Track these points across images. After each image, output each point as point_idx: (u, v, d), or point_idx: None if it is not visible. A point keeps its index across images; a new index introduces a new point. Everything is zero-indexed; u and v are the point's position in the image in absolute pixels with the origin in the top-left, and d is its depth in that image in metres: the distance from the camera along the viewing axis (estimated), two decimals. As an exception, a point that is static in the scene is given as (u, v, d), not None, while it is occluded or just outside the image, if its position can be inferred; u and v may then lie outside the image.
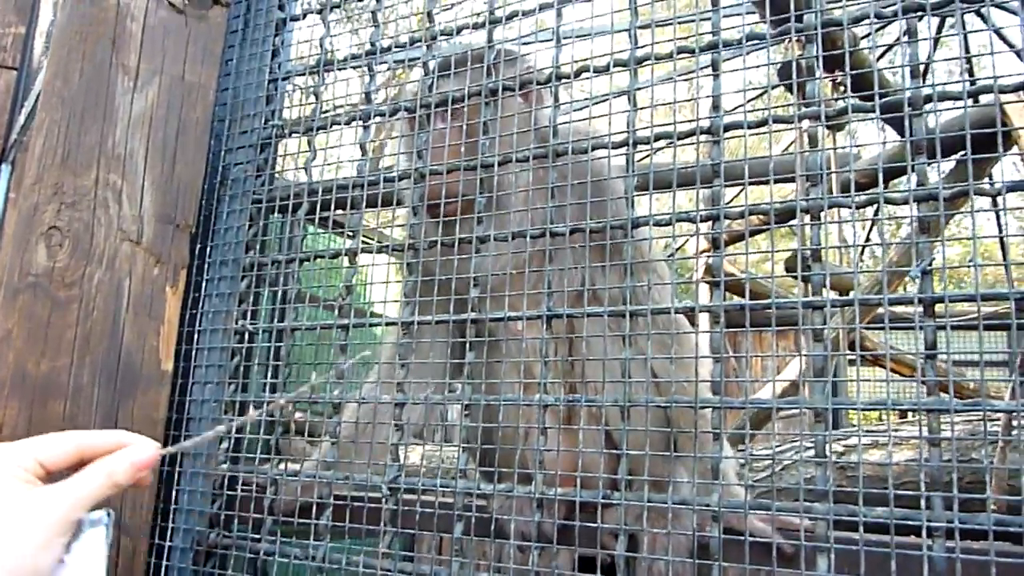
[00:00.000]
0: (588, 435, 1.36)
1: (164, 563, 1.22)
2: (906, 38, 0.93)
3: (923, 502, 0.81)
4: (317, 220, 1.28)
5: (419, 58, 1.25)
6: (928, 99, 0.89)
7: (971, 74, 3.95)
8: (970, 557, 0.78)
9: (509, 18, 1.16)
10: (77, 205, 1.26)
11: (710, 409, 1.07)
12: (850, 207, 0.89)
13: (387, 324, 1.17)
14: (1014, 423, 1.41)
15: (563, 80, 1.09)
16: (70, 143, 1.29)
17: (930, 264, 0.85)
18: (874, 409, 0.87)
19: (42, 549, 0.72)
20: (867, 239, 5.16)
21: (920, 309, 0.85)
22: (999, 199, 0.85)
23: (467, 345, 1.09)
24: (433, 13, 1.23)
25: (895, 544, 0.82)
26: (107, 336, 1.23)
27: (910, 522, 0.81)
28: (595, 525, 1.16)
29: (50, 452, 0.78)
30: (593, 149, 1.05)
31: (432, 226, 1.18)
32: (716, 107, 0.99)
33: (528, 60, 1.30)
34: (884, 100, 0.92)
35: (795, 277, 3.59)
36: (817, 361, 0.90)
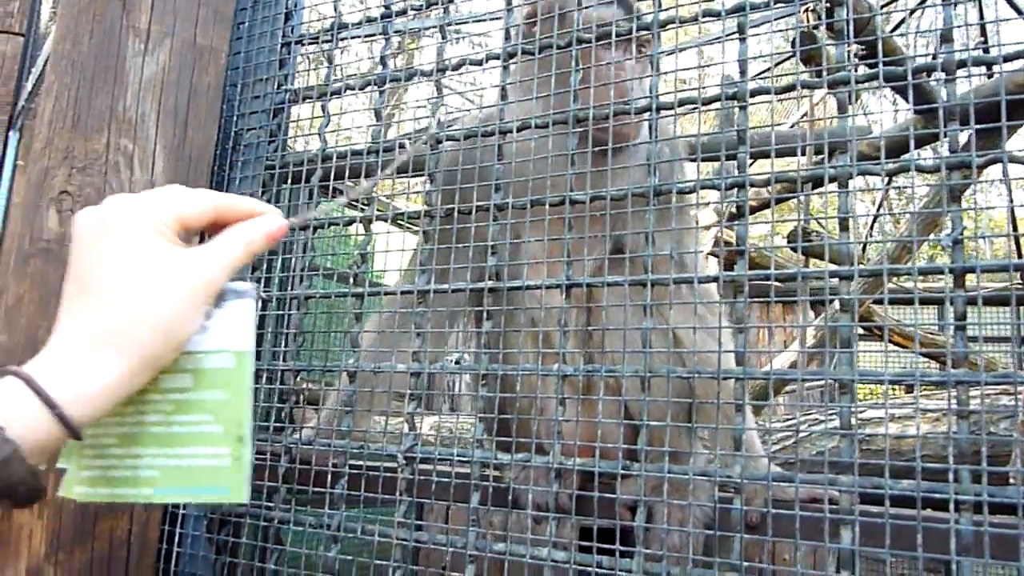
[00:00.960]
0: (607, 406, 1.36)
1: (178, 530, 1.22)
2: (940, 0, 0.90)
3: (951, 475, 0.79)
4: (332, 190, 1.26)
5: (432, 25, 1.22)
6: (962, 64, 0.86)
7: (985, 42, 3.88)
8: (998, 531, 0.77)
9: (529, -20, 1.14)
10: (88, 170, 1.25)
11: (732, 380, 1.06)
12: (880, 174, 0.87)
13: (402, 293, 1.15)
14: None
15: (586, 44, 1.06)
16: (80, 107, 1.27)
17: (961, 233, 0.83)
18: (903, 381, 0.86)
19: (187, 311, 0.68)
20: (879, 210, 5.12)
21: (951, 281, 0.83)
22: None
23: (484, 314, 1.08)
24: (450, -25, 1.20)
25: (921, 517, 0.81)
26: (119, 303, 1.22)
27: (936, 495, 0.80)
28: (612, 496, 1.16)
29: (191, 210, 0.71)
30: (616, 115, 1.02)
31: (447, 194, 1.16)
32: (743, 72, 0.96)
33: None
34: (916, 66, 0.89)
35: (794, 250, 3.56)
36: (843, 332, 0.88)
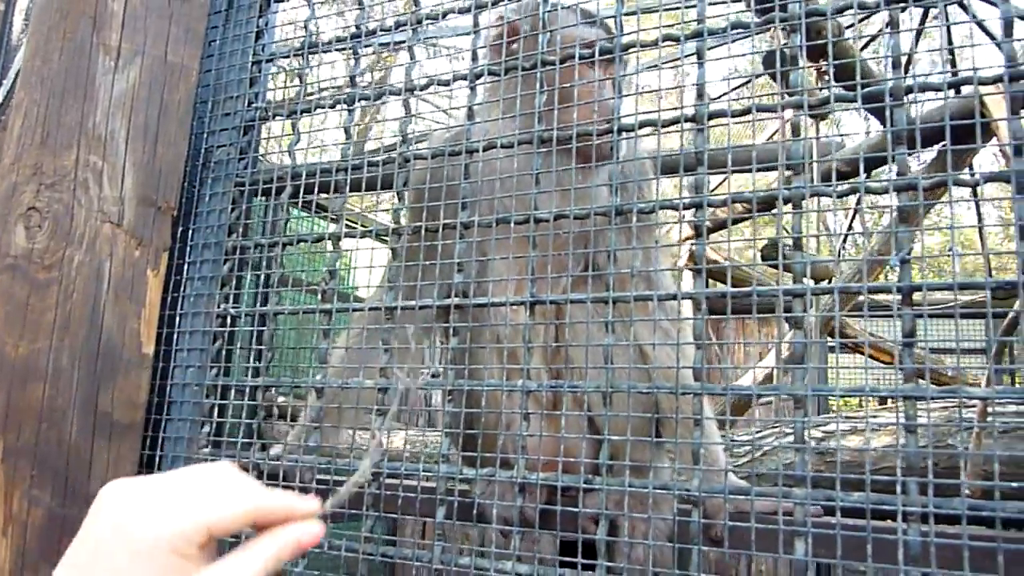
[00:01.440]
0: (571, 421, 1.37)
1: (145, 546, 1.22)
2: (888, 29, 0.94)
3: (899, 487, 0.82)
4: (301, 204, 1.27)
5: (404, 42, 1.24)
6: (909, 90, 0.89)
7: (953, 65, 3.97)
8: (944, 541, 0.80)
9: (495, 3, 1.16)
10: (57, 186, 1.25)
11: (692, 395, 1.08)
12: (831, 196, 0.90)
13: (370, 309, 1.17)
14: (989, 410, 1.43)
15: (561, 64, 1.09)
16: (50, 123, 1.27)
17: (909, 253, 0.86)
18: (853, 395, 0.89)
19: None
20: (849, 228, 5.20)
21: (899, 297, 0.86)
22: (978, 189, 0.86)
23: (451, 330, 1.10)
24: (419, -3, 1.22)
25: (871, 528, 0.83)
26: (87, 319, 1.22)
27: (886, 507, 0.82)
28: (575, 510, 1.18)
29: (224, 517, 0.64)
30: (600, 134, 1.04)
31: (416, 212, 1.17)
32: (700, 95, 0.99)
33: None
34: (866, 91, 0.92)
35: (773, 266, 3.62)
36: (797, 348, 0.91)
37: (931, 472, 0.82)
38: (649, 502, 1.01)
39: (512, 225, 1.07)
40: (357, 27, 1.26)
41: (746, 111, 0.96)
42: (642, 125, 1.03)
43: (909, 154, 0.89)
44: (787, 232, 0.97)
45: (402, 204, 1.18)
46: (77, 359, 1.21)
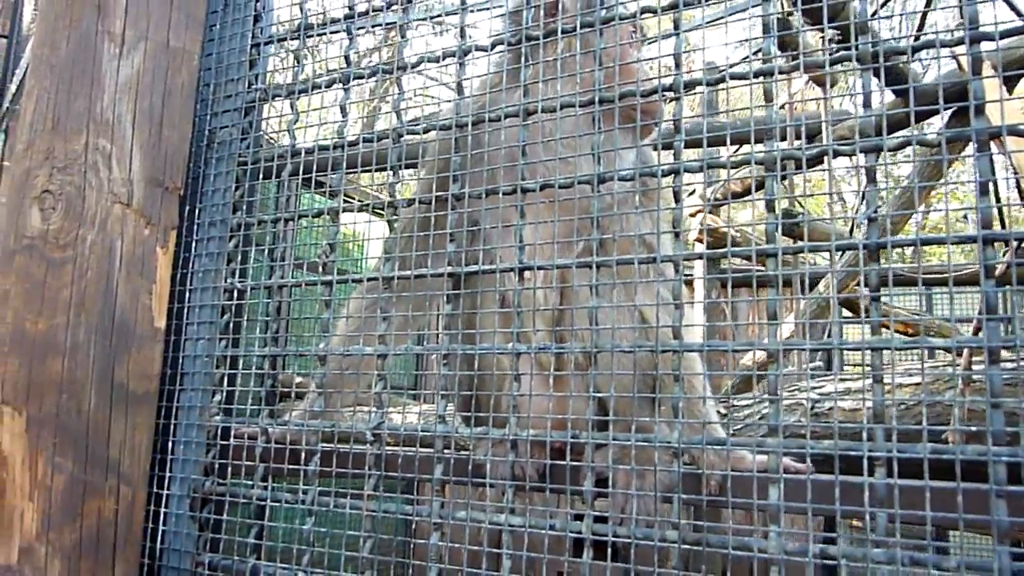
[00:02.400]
0: (572, 382, 1.42)
1: (162, 510, 1.29)
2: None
3: (864, 435, 0.86)
4: (302, 181, 1.32)
5: (395, 22, 1.29)
6: (875, 57, 0.93)
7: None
8: (907, 483, 0.84)
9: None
10: (68, 169, 1.31)
11: (697, 355, 1.13)
12: (800, 159, 0.94)
13: (368, 280, 1.22)
14: (974, 360, 1.47)
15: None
16: (59, 109, 1.33)
17: (875, 211, 0.90)
18: (823, 348, 0.93)
19: None
20: (863, 197, 5.20)
21: (864, 254, 0.90)
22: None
23: (445, 298, 1.15)
24: (409, -24, 1.26)
25: (839, 473, 0.88)
26: (101, 295, 1.28)
27: (853, 453, 0.87)
28: (566, 463, 1.23)
29: None
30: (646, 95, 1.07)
31: (432, 182, 1.22)
32: (678, 64, 1.03)
33: None
34: (832, 58, 0.96)
35: (787, 234, 3.64)
36: (769, 305, 0.95)
37: (894, 420, 0.86)
38: (632, 454, 1.06)
39: (539, 191, 1.10)
40: (350, 7, 1.30)
41: (720, 79, 1.00)
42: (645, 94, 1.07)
43: (870, 116, 0.93)
44: (800, 205, 1.01)
45: (398, 179, 1.22)
46: (93, 333, 1.27)
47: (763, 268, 0.94)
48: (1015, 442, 0.81)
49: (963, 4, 0.91)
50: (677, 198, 1.02)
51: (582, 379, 1.47)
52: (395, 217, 1.21)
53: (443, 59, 1.21)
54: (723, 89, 1.06)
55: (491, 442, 1.35)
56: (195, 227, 1.38)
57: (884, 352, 0.90)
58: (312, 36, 1.34)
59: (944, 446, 0.84)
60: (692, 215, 5.37)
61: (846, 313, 4.99)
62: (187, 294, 1.36)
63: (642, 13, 1.08)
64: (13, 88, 3.17)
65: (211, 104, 1.42)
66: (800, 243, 0.91)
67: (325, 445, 1.19)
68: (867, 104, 0.93)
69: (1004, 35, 0.90)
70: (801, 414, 1.74)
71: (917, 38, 0.95)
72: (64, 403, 1.24)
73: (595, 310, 1.05)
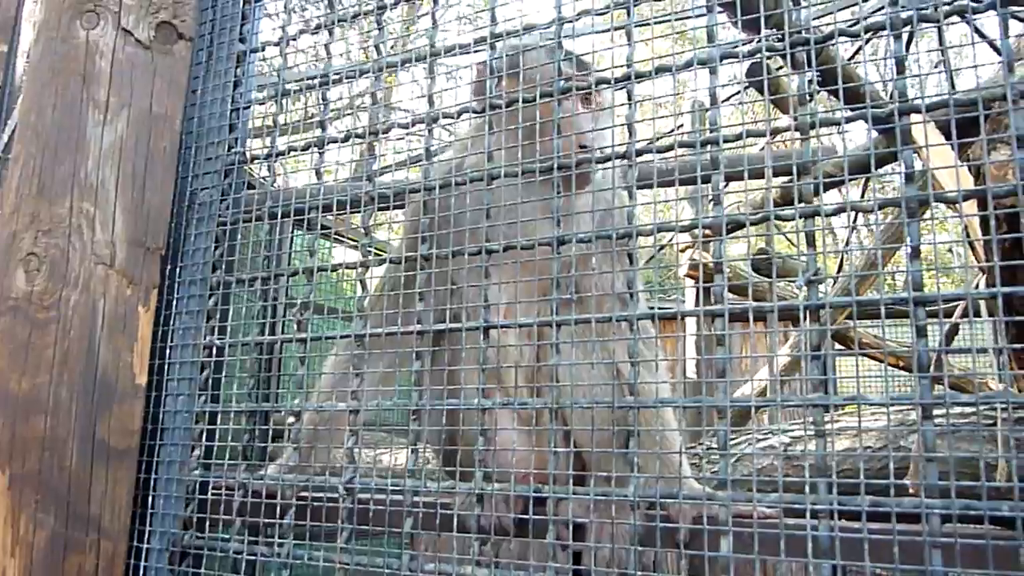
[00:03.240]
0: (547, 434, 1.47)
1: (142, 564, 1.32)
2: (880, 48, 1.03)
3: (807, 488, 0.91)
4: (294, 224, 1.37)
5: (368, 89, 1.35)
6: (812, 125, 0.99)
7: (952, 83, 4.05)
8: (847, 535, 0.88)
9: (448, 50, 1.26)
10: (53, 232, 1.36)
11: (671, 409, 1.18)
12: (745, 225, 0.99)
13: (341, 337, 1.26)
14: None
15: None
16: (45, 174, 1.38)
17: (815, 274, 0.95)
18: (766, 405, 0.97)
19: None
20: (847, 244, 5.32)
21: (805, 314, 0.95)
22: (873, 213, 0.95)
23: (415, 355, 1.19)
24: (381, 46, 1.32)
25: (783, 525, 0.92)
26: (84, 354, 1.33)
27: (797, 506, 0.91)
28: (545, 518, 1.27)
29: None
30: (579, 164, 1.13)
31: (411, 242, 1.27)
32: (631, 133, 1.09)
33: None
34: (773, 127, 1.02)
35: (757, 272, 3.70)
36: (718, 363, 1.00)
37: (834, 473, 0.91)
38: (612, 509, 1.09)
39: (502, 253, 1.16)
40: (324, 75, 1.37)
41: (669, 147, 1.06)
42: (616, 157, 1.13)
43: (841, 181, 0.98)
44: (790, 242, 1.06)
45: (371, 240, 1.28)
46: (75, 391, 1.31)
47: (757, 303, 0.98)
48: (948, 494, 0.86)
49: (893, 79, 0.98)
50: (632, 260, 1.07)
51: (556, 432, 1.52)
52: (370, 277, 1.26)
53: (412, 125, 1.27)
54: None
55: (463, 495, 1.39)
56: (176, 286, 1.43)
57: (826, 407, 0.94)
58: (289, 96, 1.40)
59: (882, 499, 0.88)
60: (682, 250, 5.44)
61: (838, 346, 5.05)
62: (168, 351, 1.40)
63: (598, 84, 1.14)
64: (5, 138, 3.23)
65: (192, 166, 1.48)
66: (750, 303, 0.96)
67: (300, 497, 1.22)
68: (805, 171, 0.99)
69: (931, 107, 0.96)
70: (773, 458, 1.79)
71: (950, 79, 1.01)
72: (47, 460, 1.28)
73: (557, 366, 1.10)
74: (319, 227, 1.32)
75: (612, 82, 1.12)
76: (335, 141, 1.34)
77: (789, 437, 1.85)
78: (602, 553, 1.40)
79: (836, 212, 0.97)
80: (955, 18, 0.98)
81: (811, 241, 0.98)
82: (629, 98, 1.10)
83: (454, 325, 1.18)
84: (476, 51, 1.29)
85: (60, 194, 1.37)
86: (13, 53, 3.59)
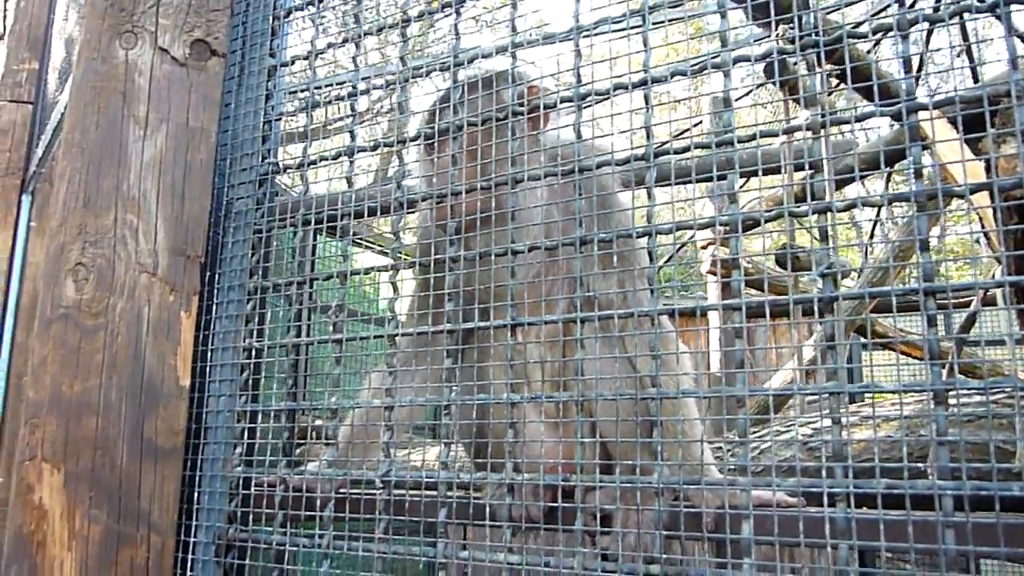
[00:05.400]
0: (574, 426, 1.52)
1: (189, 556, 1.38)
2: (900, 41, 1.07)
3: (824, 472, 0.95)
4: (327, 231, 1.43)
5: (400, 98, 1.40)
6: (823, 125, 1.03)
7: (971, 58, 4.04)
8: (864, 516, 0.93)
9: (485, 56, 1.32)
10: (99, 243, 1.43)
11: (693, 399, 1.22)
12: (760, 222, 1.04)
13: (375, 336, 1.32)
14: (952, 401, 1.55)
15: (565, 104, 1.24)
16: (90, 188, 1.45)
17: (829, 267, 1.00)
18: (782, 394, 1.02)
19: None
20: (871, 236, 5.34)
21: (818, 307, 0.99)
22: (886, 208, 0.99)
23: (445, 352, 1.25)
24: (406, 59, 1.38)
25: (803, 508, 0.96)
26: (131, 358, 1.40)
27: (815, 489, 0.95)
28: (573, 506, 1.32)
29: None
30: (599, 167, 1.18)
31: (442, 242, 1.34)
32: (649, 135, 1.13)
33: (533, 80, 1.41)
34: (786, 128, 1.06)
35: (782, 266, 3.73)
36: (736, 355, 1.04)
37: (850, 458, 0.95)
38: (638, 497, 1.14)
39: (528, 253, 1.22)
40: (353, 87, 1.43)
41: (686, 149, 1.11)
42: (639, 158, 1.18)
43: (837, 179, 1.03)
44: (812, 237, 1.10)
45: (399, 244, 1.33)
46: (124, 394, 1.38)
47: (773, 296, 1.03)
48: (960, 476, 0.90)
49: (901, 79, 1.02)
50: (651, 257, 1.12)
51: (583, 424, 1.57)
52: (400, 279, 1.32)
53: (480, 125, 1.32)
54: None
55: (494, 485, 1.45)
56: (215, 291, 1.49)
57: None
58: (319, 107, 1.46)
59: (896, 481, 0.93)
60: (703, 247, 5.46)
61: (864, 339, 5.04)
62: (209, 354, 1.47)
63: (615, 90, 1.19)
64: (40, 152, 3.34)
65: (227, 177, 1.54)
66: (770, 297, 1.01)
67: (340, 492, 1.29)
68: (819, 168, 1.03)
69: (937, 105, 1.00)
70: (796, 449, 1.83)
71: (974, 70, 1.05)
72: (99, 459, 1.35)
73: (582, 361, 1.15)
74: (351, 232, 1.38)
75: (630, 87, 1.17)
76: (364, 149, 1.39)
77: (811, 429, 1.89)
78: (628, 539, 1.45)
79: (848, 208, 1.01)
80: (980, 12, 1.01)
81: (824, 236, 1.02)
82: (646, 101, 1.15)
83: (483, 324, 1.23)
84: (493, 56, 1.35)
85: (105, 207, 1.44)
86: (45, 70, 3.70)
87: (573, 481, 1.13)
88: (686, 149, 1.12)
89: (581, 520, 1.13)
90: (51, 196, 1.51)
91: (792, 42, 1.09)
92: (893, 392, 0.94)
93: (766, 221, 1.04)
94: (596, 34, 1.26)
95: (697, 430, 1.57)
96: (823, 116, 1.03)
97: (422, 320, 1.29)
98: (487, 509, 1.24)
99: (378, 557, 1.22)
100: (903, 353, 5.02)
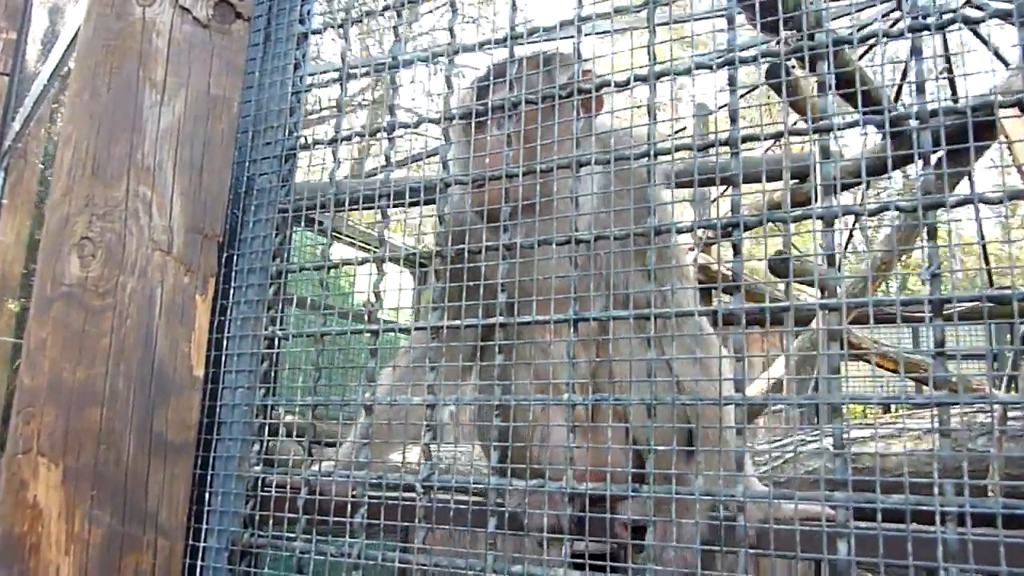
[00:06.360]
0: (609, 433, 1.42)
1: (199, 563, 1.26)
2: (912, 56, 1.00)
3: (936, 489, 0.87)
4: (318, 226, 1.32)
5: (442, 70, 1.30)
6: (919, 115, 0.95)
7: (953, 90, 4.06)
8: (980, 538, 0.85)
9: (530, 33, 1.22)
10: (108, 216, 1.30)
11: (732, 406, 1.14)
12: (786, 221, 0.96)
13: (416, 329, 1.22)
14: (1009, 414, 1.50)
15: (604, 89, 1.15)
16: (100, 155, 1.32)
17: (939, 267, 0.92)
18: (890, 402, 0.94)
19: None
20: (848, 240, 5.34)
21: (930, 310, 0.91)
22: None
23: (497, 348, 1.14)
24: (455, 29, 1.28)
25: (911, 528, 0.88)
26: (141, 343, 1.27)
27: (924, 508, 0.87)
28: (603, 515, 1.23)
29: None
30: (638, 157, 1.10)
31: (475, 231, 1.23)
32: (733, 120, 1.05)
33: (585, 64, 1.31)
34: (890, 115, 0.98)
35: (775, 273, 3.70)
36: (832, 360, 0.96)
37: (966, 474, 0.87)
38: (673, 506, 1.05)
39: (555, 246, 1.13)
40: (394, 58, 1.32)
41: (778, 135, 1.03)
42: (678, 149, 1.09)
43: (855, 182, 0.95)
44: (794, 247, 1.02)
45: (446, 228, 1.23)
46: (132, 382, 1.25)
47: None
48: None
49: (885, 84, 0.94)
50: (737, 250, 1.03)
51: (618, 432, 1.48)
52: (441, 267, 1.21)
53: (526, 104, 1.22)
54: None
55: (521, 493, 1.35)
56: (233, 274, 1.37)
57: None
58: (355, 78, 1.35)
59: (1018, 501, 0.85)
60: (689, 250, 5.42)
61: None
62: (225, 342, 1.35)
63: (658, 78, 1.11)
64: (17, 126, 3.15)
65: (250, 151, 1.42)
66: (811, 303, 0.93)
67: (372, 496, 1.18)
68: (926, 162, 0.95)
69: (921, 116, 0.93)
70: (827, 459, 1.75)
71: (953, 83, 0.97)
72: (103, 454, 1.22)
73: (652, 363, 1.05)
74: (384, 216, 1.26)
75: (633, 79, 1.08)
76: (407, 126, 1.29)
77: (844, 439, 1.80)
78: (667, 554, 1.37)
79: (959, 203, 0.93)
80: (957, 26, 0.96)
81: (932, 233, 0.94)
82: (650, 114, 1.07)
83: (540, 318, 1.13)
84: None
85: (116, 176, 1.32)
86: (24, 40, 3.51)
87: (615, 490, 1.04)
88: (683, 149, 1.03)
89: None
90: (55, 168, 1.37)
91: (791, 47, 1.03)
92: (1006, 404, 0.87)
93: (747, 228, 0.96)
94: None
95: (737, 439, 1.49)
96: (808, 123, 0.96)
97: (451, 314, 1.19)
98: (513, 518, 1.14)
99: (417, 570, 1.11)
100: (878, 365, 5.04)
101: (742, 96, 4.59)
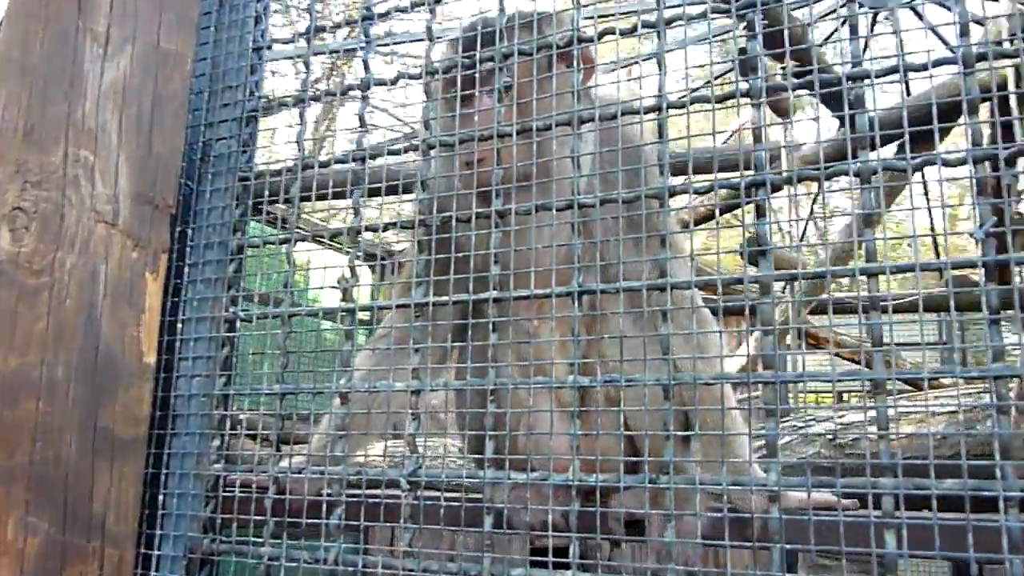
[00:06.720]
0: (602, 419, 1.31)
1: (153, 574, 1.12)
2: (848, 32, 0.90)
3: (998, 471, 0.77)
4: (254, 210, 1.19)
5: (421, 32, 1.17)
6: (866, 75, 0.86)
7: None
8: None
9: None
10: (44, 184, 1.15)
11: (730, 388, 1.03)
12: (817, 178, 0.86)
13: (398, 307, 1.09)
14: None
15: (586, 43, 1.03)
16: (33, 116, 1.17)
17: (994, 224, 0.82)
18: (940, 376, 0.84)
19: None
20: (810, 215, 5.38)
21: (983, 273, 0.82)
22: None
23: (490, 326, 1.02)
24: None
25: (971, 517, 0.78)
26: (83, 327, 1.12)
27: (984, 492, 0.78)
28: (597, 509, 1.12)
29: None
30: (624, 115, 0.99)
31: (464, 199, 1.11)
32: (755, 69, 0.94)
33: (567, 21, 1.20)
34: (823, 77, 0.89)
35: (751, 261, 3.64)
36: (875, 330, 0.86)
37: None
38: (670, 496, 0.95)
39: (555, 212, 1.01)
40: (368, 9, 1.19)
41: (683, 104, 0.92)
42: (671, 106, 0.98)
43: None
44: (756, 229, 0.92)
45: (427, 194, 1.10)
46: (73, 371, 1.11)
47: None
48: None
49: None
50: (761, 213, 0.93)
51: (606, 416, 1.37)
52: (424, 238, 1.09)
53: (443, 72, 1.10)
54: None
55: (509, 487, 1.23)
56: (188, 250, 1.23)
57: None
58: (322, 39, 1.22)
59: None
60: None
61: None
62: (179, 325, 1.20)
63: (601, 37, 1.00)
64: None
65: (205, 114, 1.28)
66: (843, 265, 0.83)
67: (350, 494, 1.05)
68: (972, 112, 0.85)
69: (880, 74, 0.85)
70: (820, 445, 1.67)
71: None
72: (39, 452, 1.07)
73: (601, 339, 0.94)
74: (358, 182, 1.13)
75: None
76: (382, 83, 1.16)
77: (837, 424, 1.73)
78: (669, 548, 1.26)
79: (831, 175, 0.84)
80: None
81: (981, 189, 0.85)
82: (660, 127, 0.96)
83: (539, 292, 1.01)
84: None
85: (52, 139, 1.16)
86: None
87: (605, 481, 0.93)
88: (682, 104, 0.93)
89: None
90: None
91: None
92: (828, 380, 0.78)
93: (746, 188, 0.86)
94: None
95: (739, 423, 1.39)
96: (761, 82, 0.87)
97: (434, 290, 1.06)
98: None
99: (404, 575, 0.98)
100: (836, 355, 5.05)
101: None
